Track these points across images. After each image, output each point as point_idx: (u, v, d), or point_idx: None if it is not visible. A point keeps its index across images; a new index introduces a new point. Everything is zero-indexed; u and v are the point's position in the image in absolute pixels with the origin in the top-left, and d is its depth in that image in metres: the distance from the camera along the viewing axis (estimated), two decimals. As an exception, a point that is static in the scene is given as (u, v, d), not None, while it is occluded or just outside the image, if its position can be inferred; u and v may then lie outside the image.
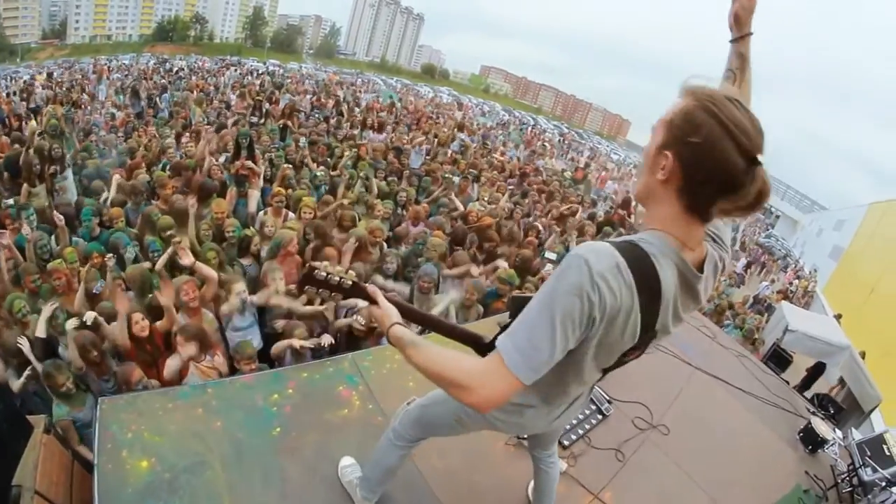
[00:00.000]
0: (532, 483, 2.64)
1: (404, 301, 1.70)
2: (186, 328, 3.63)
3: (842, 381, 8.11)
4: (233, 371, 3.65)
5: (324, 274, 1.64)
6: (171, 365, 3.51)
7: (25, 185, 5.56)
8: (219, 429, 2.78)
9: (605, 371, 1.53)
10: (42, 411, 3.21)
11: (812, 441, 3.93)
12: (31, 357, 3.49)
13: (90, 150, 7.53)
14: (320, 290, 1.67)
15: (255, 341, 4.14)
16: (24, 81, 16.80)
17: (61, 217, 4.80)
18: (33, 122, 7.28)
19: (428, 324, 1.72)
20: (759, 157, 1.11)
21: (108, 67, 22.44)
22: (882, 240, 17.33)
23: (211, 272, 4.16)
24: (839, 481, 3.62)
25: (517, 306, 1.41)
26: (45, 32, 59.50)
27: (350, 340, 4.25)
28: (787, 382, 5.66)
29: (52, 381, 3.24)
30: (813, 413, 4.40)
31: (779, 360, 7.18)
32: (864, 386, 7.20)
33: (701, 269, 1.33)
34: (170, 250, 4.37)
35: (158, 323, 3.76)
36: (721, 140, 1.11)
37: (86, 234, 5.04)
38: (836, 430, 4.22)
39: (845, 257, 20.81)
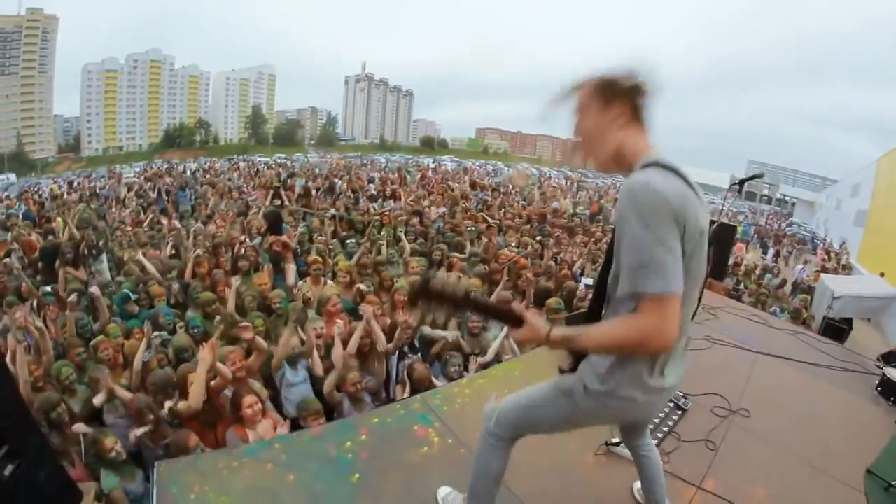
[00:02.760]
0: (636, 483, 2.57)
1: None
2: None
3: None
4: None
5: (439, 286, 1.67)
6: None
7: (62, 271, 5.60)
8: (292, 482, 2.59)
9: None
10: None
11: (893, 392, 3.87)
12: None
13: (121, 242, 7.64)
14: (433, 304, 1.73)
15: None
16: (49, 189, 17.33)
17: (97, 290, 4.84)
18: (64, 218, 7.45)
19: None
20: None
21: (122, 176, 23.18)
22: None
23: (263, 343, 4.06)
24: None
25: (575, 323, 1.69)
26: (61, 147, 62.54)
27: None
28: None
29: (99, 446, 3.10)
30: (883, 368, 4.25)
31: (833, 331, 6.93)
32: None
33: None
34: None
35: (213, 382, 3.61)
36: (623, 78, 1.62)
37: (122, 314, 5.03)
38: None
39: (870, 218, 20.29)
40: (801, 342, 5.00)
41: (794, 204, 40.83)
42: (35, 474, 2.20)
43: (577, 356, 1.82)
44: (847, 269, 17.34)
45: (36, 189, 19.86)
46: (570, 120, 1.72)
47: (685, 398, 3.51)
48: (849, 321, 7.65)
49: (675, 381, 1.76)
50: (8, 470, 2.06)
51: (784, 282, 12.31)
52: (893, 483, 2.78)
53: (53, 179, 28.51)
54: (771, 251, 20.65)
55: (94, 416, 3.61)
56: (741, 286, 9.91)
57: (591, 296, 1.98)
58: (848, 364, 4.48)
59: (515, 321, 1.69)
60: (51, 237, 7.00)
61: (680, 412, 3.40)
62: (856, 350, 5.16)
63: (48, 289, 5.18)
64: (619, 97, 1.61)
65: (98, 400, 3.61)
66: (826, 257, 19.26)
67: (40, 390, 3.67)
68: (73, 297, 4.94)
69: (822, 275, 11.17)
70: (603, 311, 1.79)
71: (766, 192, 48.63)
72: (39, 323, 4.13)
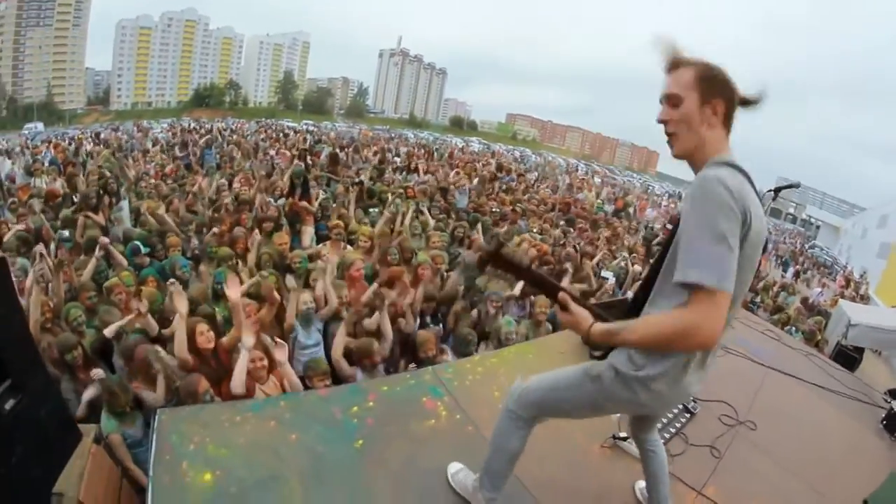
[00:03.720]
0: (639, 482, 2.59)
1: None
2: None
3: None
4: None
5: (510, 253, 1.75)
6: (238, 371, 3.25)
7: (81, 217, 5.59)
8: (294, 441, 2.55)
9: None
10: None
11: None
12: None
13: (142, 194, 7.62)
14: (501, 270, 1.77)
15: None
16: (75, 138, 17.47)
17: (106, 240, 4.84)
18: (90, 163, 7.48)
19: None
20: None
21: (152, 129, 23.31)
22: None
23: (275, 295, 3.99)
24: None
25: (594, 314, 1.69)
26: (91, 99, 63.36)
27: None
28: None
29: (115, 399, 3.02)
30: (891, 402, 4.21)
31: (845, 359, 6.78)
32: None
33: None
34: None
35: (224, 338, 3.56)
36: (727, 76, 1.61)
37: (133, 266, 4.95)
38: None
39: (893, 252, 20.00)
40: (812, 364, 4.99)
41: (818, 227, 40.41)
42: (36, 411, 2.18)
43: (610, 347, 1.81)
44: (865, 299, 17.04)
45: (63, 137, 20.03)
46: (663, 89, 1.66)
47: (695, 402, 3.50)
48: (860, 350, 7.54)
49: (699, 382, 1.76)
50: (9, 404, 2.03)
51: (806, 299, 12.16)
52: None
53: (81, 130, 28.57)
54: (791, 270, 20.51)
55: (101, 357, 3.59)
56: (758, 299, 9.79)
57: (622, 290, 1.97)
58: (856, 393, 4.48)
59: (563, 306, 1.72)
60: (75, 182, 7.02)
61: (688, 415, 3.40)
62: (865, 381, 5.12)
63: (65, 233, 5.17)
64: (720, 95, 1.59)
65: (111, 330, 3.57)
66: (845, 284, 18.98)
67: (48, 331, 3.65)
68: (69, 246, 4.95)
69: (840, 300, 11.01)
70: (645, 308, 1.78)
71: (791, 210, 48.01)
72: (51, 263, 4.12)
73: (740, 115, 1.64)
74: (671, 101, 1.63)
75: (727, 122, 1.62)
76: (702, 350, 1.57)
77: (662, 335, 1.48)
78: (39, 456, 2.18)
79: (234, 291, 3.40)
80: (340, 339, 3.91)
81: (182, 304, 3.43)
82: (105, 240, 4.79)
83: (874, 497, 2.93)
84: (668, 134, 1.67)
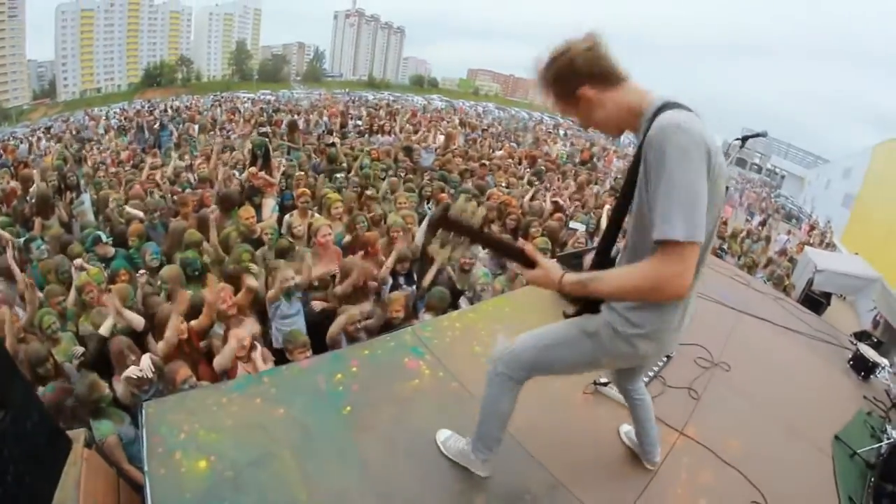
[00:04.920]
0: (624, 426, 2.70)
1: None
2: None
3: (875, 322, 8.13)
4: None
5: (457, 217, 1.73)
6: (223, 356, 3.29)
7: (38, 219, 5.46)
8: (282, 416, 2.56)
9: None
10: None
11: (863, 367, 4.02)
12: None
13: (100, 184, 7.39)
14: (453, 235, 1.76)
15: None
16: (24, 135, 16.90)
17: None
18: (44, 161, 7.27)
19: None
20: None
21: (105, 115, 22.58)
22: (893, 179, 17.07)
23: (254, 283, 4.02)
24: (896, 403, 3.70)
25: (565, 263, 1.71)
26: (36, 93, 60.79)
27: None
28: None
29: (97, 390, 3.00)
30: (857, 344, 4.41)
31: (812, 303, 7.10)
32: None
33: None
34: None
35: (194, 322, 3.55)
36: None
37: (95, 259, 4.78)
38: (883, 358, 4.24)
39: (857, 203, 20.48)
40: (781, 308, 5.15)
41: (783, 177, 40.99)
42: (22, 425, 2.11)
43: (584, 302, 1.83)
44: (830, 246, 17.37)
45: (10, 137, 19.38)
46: (554, 109, 1.72)
47: None
48: (827, 296, 7.87)
49: (681, 329, 1.78)
50: (-8, 422, 1.98)
51: (769, 239, 12.38)
52: (858, 451, 2.97)
53: (30, 128, 27.52)
54: (757, 218, 20.72)
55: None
56: (725, 246, 10.01)
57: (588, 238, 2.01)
58: (824, 335, 4.65)
59: (528, 262, 1.74)
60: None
61: (666, 358, 3.47)
62: (831, 324, 5.32)
63: (32, 242, 4.90)
64: (575, 82, 1.58)
65: (106, 327, 3.48)
66: (810, 232, 19.27)
67: (23, 341, 3.56)
68: (42, 248, 4.82)
69: (806, 247, 11.32)
70: (618, 257, 1.80)
71: (757, 161, 48.48)
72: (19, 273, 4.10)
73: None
74: (557, 106, 1.68)
75: (611, 81, 1.59)
76: (675, 300, 1.56)
77: (634, 287, 1.49)
78: (34, 470, 2.12)
79: (210, 293, 3.50)
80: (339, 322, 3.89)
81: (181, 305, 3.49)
82: (79, 261, 4.50)
83: (844, 432, 3.13)
84: (587, 126, 1.72)
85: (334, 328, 3.82)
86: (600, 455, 2.62)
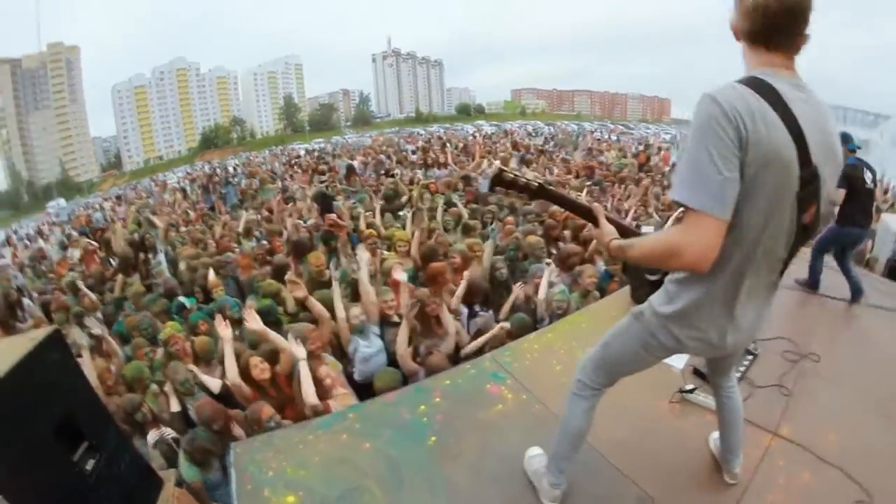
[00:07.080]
0: (713, 434, 2.53)
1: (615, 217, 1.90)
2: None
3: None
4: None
5: (511, 175, 1.79)
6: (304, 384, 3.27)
7: (120, 277, 5.75)
8: (369, 450, 2.58)
9: (789, 255, 1.57)
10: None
11: None
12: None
13: (174, 243, 7.70)
14: (510, 192, 1.84)
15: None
16: (98, 204, 17.93)
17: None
18: (118, 226, 7.66)
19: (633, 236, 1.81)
20: None
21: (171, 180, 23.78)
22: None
23: (322, 309, 4.01)
24: None
25: (634, 273, 1.87)
26: (104, 166, 65.14)
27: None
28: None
29: (209, 453, 3.05)
30: None
31: None
32: None
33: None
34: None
35: (277, 366, 3.59)
36: None
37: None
38: None
39: None
40: (865, 284, 4.63)
41: None
42: (116, 467, 2.24)
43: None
44: None
45: (87, 207, 20.59)
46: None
47: (754, 343, 3.40)
48: None
49: (750, 323, 1.69)
50: (90, 465, 2.09)
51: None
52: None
53: (102, 197, 29.27)
54: None
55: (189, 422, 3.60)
56: None
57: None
58: None
59: (591, 219, 1.86)
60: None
61: (751, 357, 3.33)
62: None
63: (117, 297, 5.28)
64: (746, 14, 1.45)
65: (215, 386, 3.62)
66: (884, 197, 17.99)
67: (113, 394, 3.71)
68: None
69: (883, 215, 10.37)
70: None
71: None
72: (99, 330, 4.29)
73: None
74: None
75: (758, 38, 1.46)
76: (691, 270, 1.53)
77: (656, 250, 1.49)
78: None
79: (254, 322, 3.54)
80: (403, 336, 3.84)
81: (226, 332, 3.57)
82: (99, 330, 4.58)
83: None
84: None
85: (400, 347, 3.80)
86: (691, 466, 2.50)
